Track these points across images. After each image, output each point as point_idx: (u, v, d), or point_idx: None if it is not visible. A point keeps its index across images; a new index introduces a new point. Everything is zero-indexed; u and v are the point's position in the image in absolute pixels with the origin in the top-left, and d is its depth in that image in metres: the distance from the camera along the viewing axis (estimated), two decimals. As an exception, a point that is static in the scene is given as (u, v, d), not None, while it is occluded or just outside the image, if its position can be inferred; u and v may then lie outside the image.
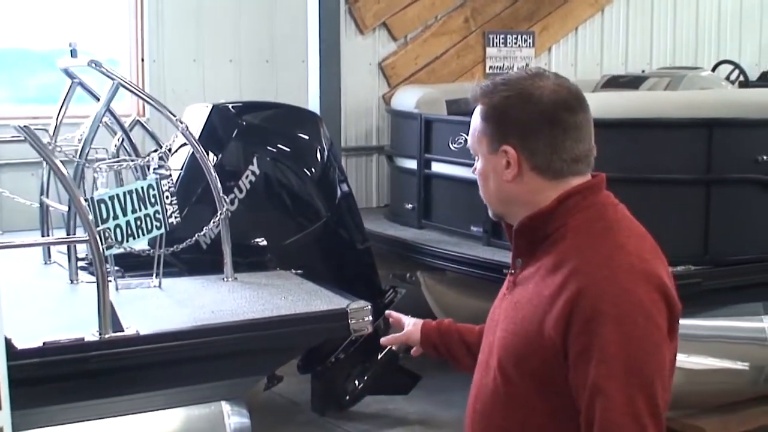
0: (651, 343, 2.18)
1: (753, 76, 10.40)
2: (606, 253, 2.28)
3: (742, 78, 10.05)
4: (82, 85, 5.91)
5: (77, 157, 5.25)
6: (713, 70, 9.98)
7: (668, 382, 2.27)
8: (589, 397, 2.16)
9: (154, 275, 5.23)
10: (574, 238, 2.34)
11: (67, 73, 5.88)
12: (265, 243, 5.90)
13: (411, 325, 3.07)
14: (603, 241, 2.31)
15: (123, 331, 4.31)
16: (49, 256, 5.87)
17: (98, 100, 5.82)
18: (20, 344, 4.02)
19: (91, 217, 4.37)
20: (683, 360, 4.24)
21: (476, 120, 2.51)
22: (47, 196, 5.78)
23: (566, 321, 2.21)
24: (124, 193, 4.73)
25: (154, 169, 5.56)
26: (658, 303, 2.23)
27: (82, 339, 4.23)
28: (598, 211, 2.39)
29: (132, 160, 5.44)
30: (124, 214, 4.70)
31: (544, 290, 2.29)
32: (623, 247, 2.29)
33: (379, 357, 6.43)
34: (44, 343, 4.14)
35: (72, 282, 5.34)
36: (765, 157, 6.15)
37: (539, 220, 2.40)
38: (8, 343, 3.79)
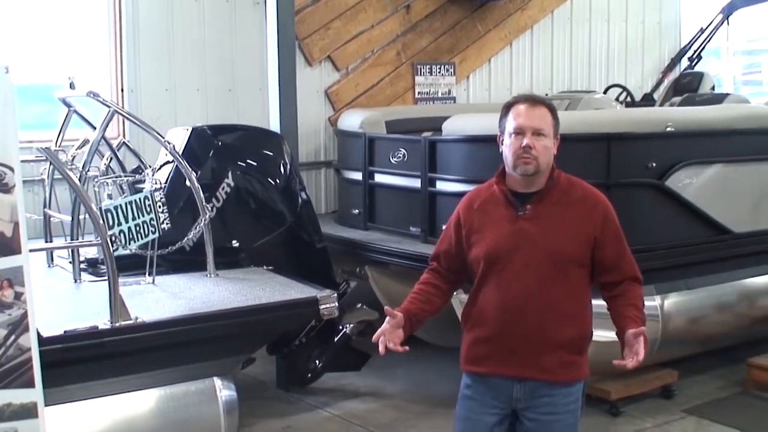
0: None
1: (638, 97, 10.61)
2: (595, 190, 3.68)
3: (629, 99, 10.22)
4: (77, 113, 6.00)
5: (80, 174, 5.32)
6: (605, 92, 10.15)
7: None
8: (622, 252, 3.63)
9: (147, 273, 5.34)
10: (573, 185, 3.64)
11: (65, 102, 5.95)
12: (238, 244, 6.01)
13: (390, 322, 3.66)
14: (587, 185, 3.69)
15: (131, 320, 4.44)
16: (52, 260, 5.94)
17: (91, 125, 5.93)
18: (45, 333, 4.12)
19: (102, 223, 4.50)
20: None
21: (547, 114, 3.59)
22: (50, 208, 5.86)
23: (602, 224, 3.58)
24: (126, 204, 4.84)
25: (136, 183, 5.69)
26: None
27: (96, 327, 4.34)
28: (562, 172, 3.64)
29: (128, 176, 5.54)
30: (126, 221, 4.82)
31: (578, 212, 3.58)
32: (593, 187, 3.71)
33: (335, 340, 6.59)
34: (65, 332, 4.25)
35: (76, 281, 5.41)
36: (654, 164, 6.39)
37: (554, 176, 3.60)
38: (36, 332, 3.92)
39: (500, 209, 3.61)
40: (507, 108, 3.63)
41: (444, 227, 3.89)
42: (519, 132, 3.53)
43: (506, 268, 3.56)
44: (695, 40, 11.48)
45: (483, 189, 3.76)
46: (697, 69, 11.19)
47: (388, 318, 3.61)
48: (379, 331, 3.60)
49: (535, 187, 3.58)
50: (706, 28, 11.40)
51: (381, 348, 3.57)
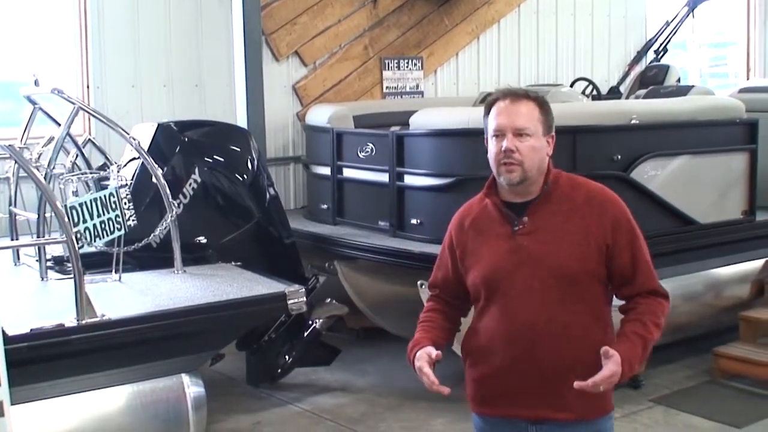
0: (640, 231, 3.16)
1: (604, 90, 10.67)
2: (604, 189, 3.15)
3: (595, 92, 10.25)
4: (42, 110, 5.96)
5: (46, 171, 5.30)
6: (571, 86, 10.17)
7: None
8: (637, 261, 3.07)
9: (114, 270, 5.32)
10: (576, 185, 3.14)
11: (30, 99, 5.91)
12: (205, 240, 6.01)
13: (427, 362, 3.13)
14: (593, 183, 3.18)
15: (97, 317, 4.43)
16: (18, 258, 5.91)
17: (56, 122, 5.90)
18: (10, 331, 4.11)
19: (67, 220, 4.48)
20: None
21: (534, 110, 3.08)
22: (15, 206, 5.83)
23: (613, 228, 3.05)
24: (91, 201, 4.82)
25: (101, 180, 5.67)
26: None
27: (63, 325, 4.33)
28: (563, 172, 3.19)
29: (93, 173, 5.52)
30: (92, 218, 4.81)
31: (584, 218, 3.06)
32: (601, 185, 3.20)
33: (305, 335, 6.59)
34: (31, 330, 4.24)
35: (42, 279, 5.39)
36: (619, 156, 6.46)
37: (548, 180, 3.11)
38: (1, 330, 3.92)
39: (495, 226, 3.13)
40: (488, 106, 3.13)
41: (439, 251, 3.40)
42: (499, 133, 3.06)
43: (508, 293, 3.07)
44: (661, 33, 11.55)
45: (474, 204, 3.26)
46: (663, 62, 11.26)
47: (421, 362, 3.13)
48: (429, 381, 3.07)
49: (531, 195, 3.10)
50: (672, 20, 11.48)
51: (446, 390, 3.03)
